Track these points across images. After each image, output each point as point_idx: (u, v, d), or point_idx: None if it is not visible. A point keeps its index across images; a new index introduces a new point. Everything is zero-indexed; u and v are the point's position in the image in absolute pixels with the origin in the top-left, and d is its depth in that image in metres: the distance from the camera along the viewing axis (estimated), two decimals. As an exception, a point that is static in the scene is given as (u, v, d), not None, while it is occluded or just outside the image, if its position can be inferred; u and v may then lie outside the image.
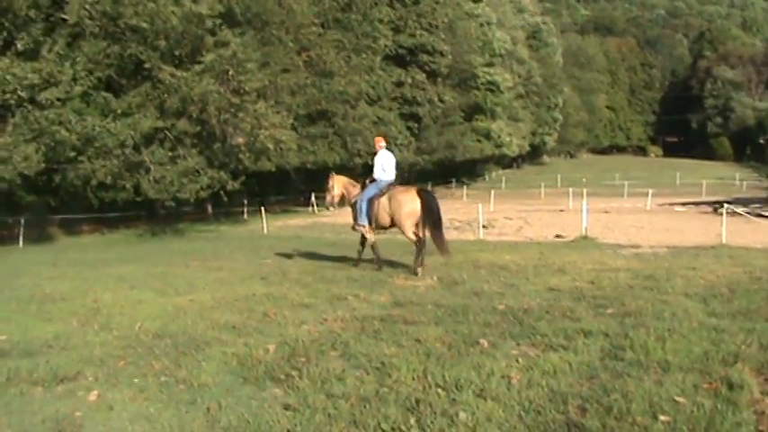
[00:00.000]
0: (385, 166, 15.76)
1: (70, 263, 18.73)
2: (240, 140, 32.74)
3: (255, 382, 6.71)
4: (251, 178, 38.44)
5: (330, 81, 43.41)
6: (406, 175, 69.71)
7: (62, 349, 8.06)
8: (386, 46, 55.41)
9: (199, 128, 31.15)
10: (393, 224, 15.36)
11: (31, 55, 26.39)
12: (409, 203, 14.87)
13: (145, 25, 27.98)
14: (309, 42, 41.76)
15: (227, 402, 6.12)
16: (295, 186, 52.15)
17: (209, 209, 40.90)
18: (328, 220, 38.22)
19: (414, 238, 15.02)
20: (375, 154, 16.26)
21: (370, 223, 15.59)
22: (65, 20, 27.80)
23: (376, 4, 53.84)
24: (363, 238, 16.21)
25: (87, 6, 27.41)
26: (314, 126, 44.99)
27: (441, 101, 65.76)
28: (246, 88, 30.77)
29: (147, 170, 29.28)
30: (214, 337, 8.56)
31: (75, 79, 27.05)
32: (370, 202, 15.41)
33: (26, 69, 25.22)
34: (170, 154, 30.04)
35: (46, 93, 25.97)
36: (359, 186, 16.32)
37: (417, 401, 5.99)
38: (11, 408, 6.08)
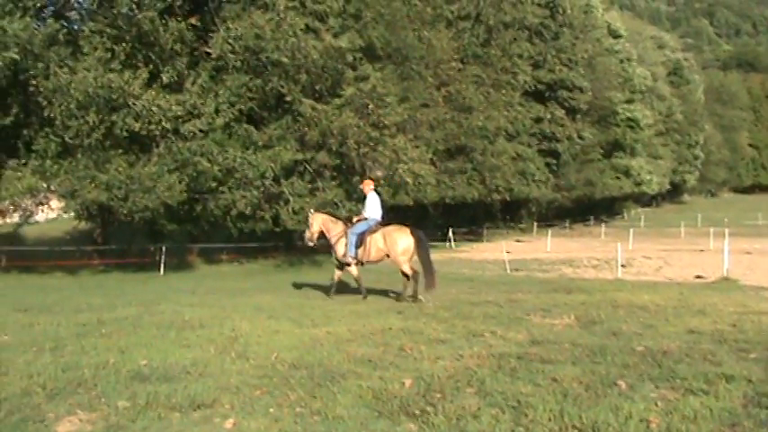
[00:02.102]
0: (374, 206, 16.96)
1: (209, 291, 18.76)
2: (379, 174, 32.43)
3: (390, 416, 6.40)
4: (389, 212, 37.52)
5: (469, 116, 43.12)
6: (543, 212, 68.76)
7: (200, 376, 7.91)
8: (525, 81, 54.79)
9: (338, 161, 31.14)
10: (381, 259, 16.78)
11: (175, 87, 26.88)
12: (405, 241, 16.33)
13: (286, 59, 27.99)
14: (449, 77, 41.60)
15: None
16: (433, 221, 51.42)
17: (347, 242, 40.06)
18: (465, 256, 37.72)
19: (410, 272, 16.44)
20: (377, 193, 17.57)
21: (356, 257, 16.66)
22: (209, 54, 28.26)
23: (515, 39, 53.42)
24: (339, 270, 17.34)
25: (230, 41, 27.69)
26: (453, 161, 44.47)
27: (580, 137, 64.67)
28: (386, 122, 30.57)
29: (287, 201, 29.30)
30: (350, 369, 8.24)
31: (217, 111, 27.36)
32: (361, 237, 16.54)
33: (170, 101, 25.56)
34: (309, 186, 30.05)
35: (189, 124, 26.34)
36: (340, 223, 17.28)
37: None
38: (149, 431, 5.98)
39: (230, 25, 27.92)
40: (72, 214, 29.56)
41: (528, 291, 17.61)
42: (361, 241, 16.48)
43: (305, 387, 7.35)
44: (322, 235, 17.27)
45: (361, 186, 18.21)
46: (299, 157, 29.83)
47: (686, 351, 9.31)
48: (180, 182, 25.51)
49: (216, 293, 18.00)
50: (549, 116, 59.65)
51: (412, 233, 16.45)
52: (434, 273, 16.26)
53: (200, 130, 26.67)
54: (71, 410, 6.42)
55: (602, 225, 71.38)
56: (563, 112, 61.19)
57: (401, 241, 16.30)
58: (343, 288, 17.72)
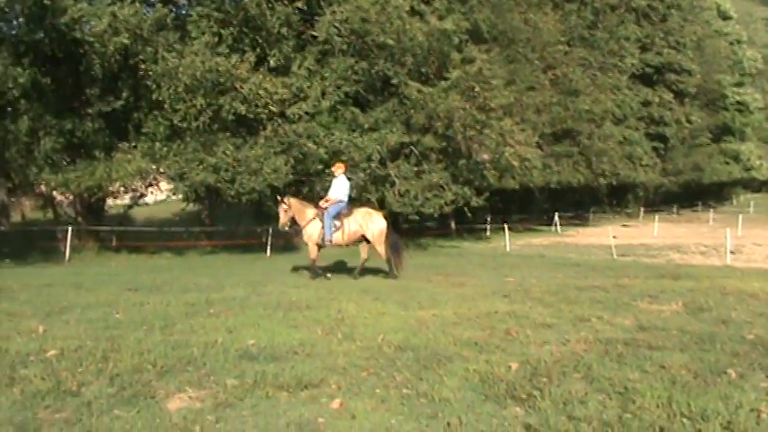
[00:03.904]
0: (342, 189, 17.35)
1: (330, 271, 18.49)
2: (485, 157, 32.10)
3: (496, 399, 6.26)
4: (495, 196, 37.30)
5: (575, 99, 42.28)
6: (650, 197, 66.88)
7: (307, 356, 7.89)
8: (632, 64, 53.76)
9: (444, 143, 30.50)
10: (355, 241, 17.37)
11: (282, 71, 26.87)
12: (382, 223, 17.25)
13: (391, 42, 27.66)
14: (555, 60, 40.79)
15: (468, 419, 5.73)
16: (538, 205, 50.87)
17: (453, 225, 39.93)
18: (571, 241, 37.20)
19: (384, 253, 17.23)
20: (348, 178, 18.28)
21: (332, 239, 17.04)
22: (315, 37, 28.09)
23: (623, 21, 52.34)
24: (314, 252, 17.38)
25: (336, 24, 27.58)
26: (559, 145, 43.73)
27: (688, 121, 63.02)
28: (492, 105, 29.78)
29: (392, 184, 28.93)
30: (456, 352, 8.06)
31: (323, 94, 27.30)
32: (337, 218, 16.96)
33: (277, 84, 25.64)
34: (415, 169, 29.48)
35: (295, 107, 26.38)
36: (311, 207, 17.45)
37: (662, 430, 5.54)
38: (257, 409, 5.94)
39: (336, 8, 27.78)
40: (180, 196, 29.68)
41: (635, 276, 17.40)
42: (337, 224, 16.95)
43: (411, 369, 7.26)
44: (293, 220, 17.34)
45: (332, 169, 18.30)
46: (405, 139, 29.29)
47: (800, 340, 8.91)
48: (286, 164, 25.52)
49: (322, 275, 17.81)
50: (656, 99, 58.12)
51: (384, 216, 17.74)
52: (403, 254, 17.90)
53: (307, 113, 26.66)
54: (181, 387, 6.48)
55: (711, 211, 68.58)
56: (671, 95, 59.64)
57: (380, 223, 17.23)
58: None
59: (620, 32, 51.84)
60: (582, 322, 10.24)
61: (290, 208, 16.86)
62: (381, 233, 17.11)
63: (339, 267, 19.39)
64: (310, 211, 17.02)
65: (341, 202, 17.16)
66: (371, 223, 17.13)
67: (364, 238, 17.21)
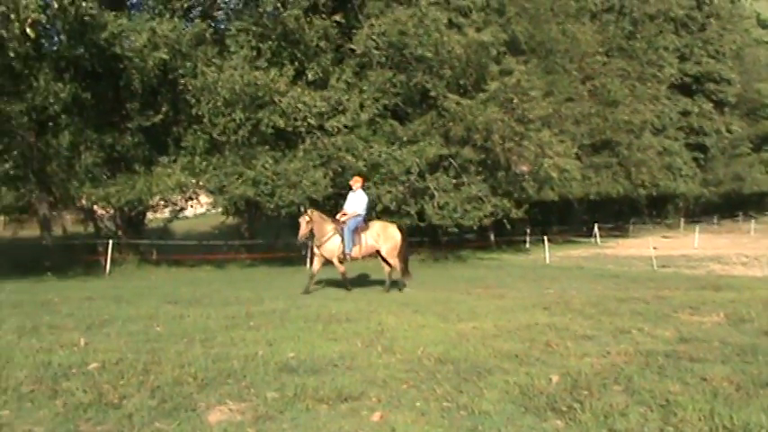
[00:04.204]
0: (360, 203, 17.40)
1: (355, 284, 18.55)
2: (524, 168, 32.11)
3: (537, 412, 6.19)
4: (534, 207, 37.04)
5: (614, 110, 41.93)
6: (691, 208, 66.14)
7: (347, 369, 7.82)
8: (671, 74, 53.25)
9: (483, 155, 30.43)
10: (368, 255, 17.61)
11: (320, 84, 26.88)
12: (398, 236, 17.42)
13: (429, 55, 27.64)
14: (593, 71, 40.63)
15: (508, 431, 5.72)
16: (577, 217, 50.51)
17: (492, 237, 39.75)
18: (611, 252, 36.94)
19: (397, 265, 17.43)
20: (365, 190, 18.38)
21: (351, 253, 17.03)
22: (353, 50, 28.00)
23: (661, 31, 51.99)
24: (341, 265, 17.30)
25: (374, 37, 27.50)
26: (598, 156, 43.55)
27: (728, 131, 62.08)
28: (530, 116, 29.87)
29: (432, 196, 28.73)
30: (496, 365, 8.04)
31: (362, 107, 27.26)
32: (355, 232, 16.92)
33: (315, 98, 25.64)
34: (454, 181, 29.31)
35: (334, 120, 26.34)
36: (330, 221, 17.18)
37: None
38: (297, 422, 5.92)
39: (374, 22, 27.70)
40: (220, 209, 29.91)
41: (675, 288, 17.31)
42: (358, 236, 17.00)
43: (451, 382, 7.21)
44: (312, 233, 17.14)
45: (350, 183, 18.35)
46: (444, 152, 29.19)
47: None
48: (325, 177, 25.54)
49: (361, 287, 18.11)
50: (696, 109, 57.54)
51: (400, 229, 17.91)
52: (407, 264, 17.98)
53: (345, 126, 26.60)
54: (221, 400, 6.47)
55: (752, 221, 67.79)
56: (710, 105, 59.03)
57: (396, 237, 17.42)
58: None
59: (659, 42, 51.49)
60: (622, 334, 10.19)
61: (311, 221, 16.67)
62: (395, 247, 17.34)
63: (362, 281, 19.41)
64: (330, 227, 16.88)
65: (359, 215, 17.20)
66: (387, 237, 17.33)
67: (378, 252, 17.45)
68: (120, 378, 7.04)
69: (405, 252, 17.85)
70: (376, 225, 17.69)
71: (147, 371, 7.36)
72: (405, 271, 17.61)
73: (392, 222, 18.94)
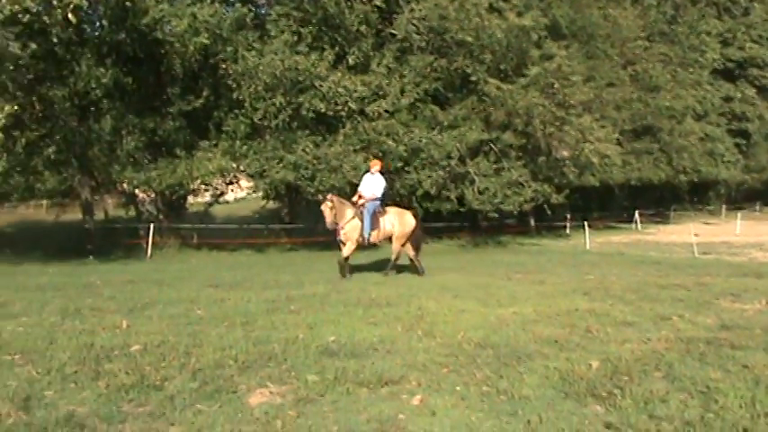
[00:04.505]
0: (380, 187, 16.99)
1: (379, 270, 18.43)
2: (565, 154, 31.85)
3: (577, 397, 6.25)
4: (574, 193, 36.60)
5: (656, 96, 41.37)
6: (733, 194, 65.22)
7: (387, 353, 7.90)
8: (714, 60, 52.10)
9: (523, 140, 30.18)
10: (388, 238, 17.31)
11: (360, 69, 26.89)
12: (412, 222, 17.32)
13: (470, 39, 27.58)
14: (635, 56, 40.00)
15: (548, 416, 5.71)
16: (618, 202, 50.06)
17: (532, 222, 39.49)
18: (652, 238, 36.49)
19: (404, 252, 17.43)
20: (381, 173, 17.47)
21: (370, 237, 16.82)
22: (393, 35, 28.00)
23: (703, 16, 51.01)
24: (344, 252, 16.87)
25: (415, 22, 27.55)
26: (639, 141, 42.77)
27: (771, 117, 60.19)
28: (571, 101, 29.56)
29: (472, 181, 28.67)
30: (536, 350, 8.06)
31: (402, 92, 27.24)
32: (374, 216, 16.66)
33: (356, 82, 25.69)
34: (494, 166, 29.19)
35: (374, 105, 26.38)
36: (349, 204, 16.89)
37: (745, 430, 5.43)
38: (338, 405, 5.99)
39: (414, 6, 27.72)
40: (260, 194, 29.91)
41: (717, 274, 17.10)
42: (376, 220, 16.77)
43: (491, 366, 7.27)
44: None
45: (370, 164, 18.24)
46: (485, 136, 29.00)
47: None
48: (365, 161, 25.05)
49: (401, 272, 17.81)
50: (738, 95, 56.11)
51: (414, 216, 17.83)
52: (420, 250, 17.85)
53: (386, 111, 26.59)
54: (262, 383, 6.54)
55: (796, 209, 67.03)
56: (753, 90, 57.43)
57: (410, 222, 17.27)
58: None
59: (701, 27, 50.50)
60: (663, 321, 10.12)
61: (334, 206, 16.35)
62: (405, 234, 17.18)
63: (400, 267, 18.84)
64: (350, 211, 16.55)
65: (377, 199, 16.89)
66: (403, 223, 17.13)
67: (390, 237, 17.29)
68: (161, 360, 7.14)
69: (418, 239, 17.77)
70: (392, 210, 17.47)
71: (189, 353, 7.46)
72: (416, 258, 17.45)
73: (410, 209, 18.77)
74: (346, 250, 16.62)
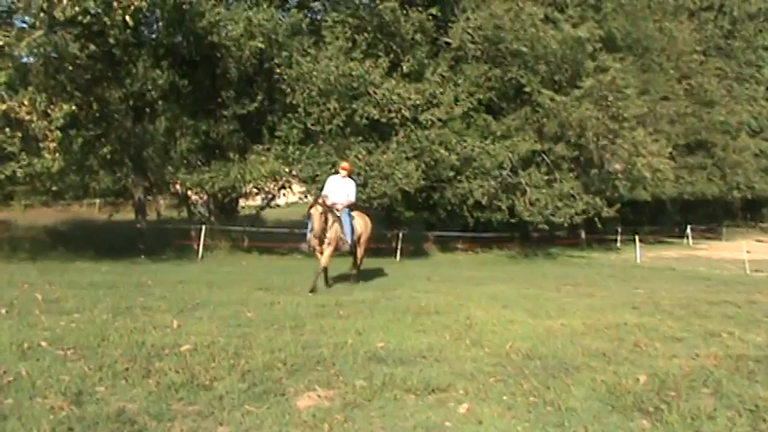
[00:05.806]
0: (353, 191, 16.34)
1: (444, 278, 18.61)
2: (617, 167, 31.71)
3: (623, 411, 6.17)
4: (626, 206, 36.17)
5: (710, 110, 41.02)
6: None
7: (435, 361, 7.83)
8: None
9: (576, 152, 29.93)
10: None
11: (415, 77, 26.71)
12: (370, 226, 17.05)
13: (525, 49, 27.38)
14: (690, 70, 39.47)
15: (594, 429, 5.68)
16: (670, 217, 49.39)
17: (583, 235, 39.04)
18: (703, 254, 36.26)
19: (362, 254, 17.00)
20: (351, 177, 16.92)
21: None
22: (448, 44, 27.94)
23: (760, 31, 50.08)
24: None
25: (470, 31, 27.46)
26: (692, 156, 42.35)
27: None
28: (625, 115, 29.16)
29: (523, 192, 28.45)
30: (584, 362, 8.01)
31: (456, 101, 27.05)
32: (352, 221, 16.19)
33: (410, 90, 25.48)
34: (546, 177, 28.90)
35: (428, 113, 26.12)
36: (331, 210, 15.79)
37: None
38: (385, 411, 5.97)
39: (469, 15, 27.65)
40: (312, 199, 29.54)
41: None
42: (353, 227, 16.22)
43: (538, 377, 7.21)
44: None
45: (340, 168, 16.90)
46: (537, 147, 28.73)
47: None
48: (417, 169, 25.35)
49: (451, 281, 17.78)
50: (796, 111, 55.09)
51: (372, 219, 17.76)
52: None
53: (439, 119, 26.34)
54: (310, 386, 6.56)
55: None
56: (812, 107, 56.41)
57: (369, 225, 17.05)
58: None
59: (758, 42, 49.56)
60: (712, 337, 9.97)
61: (324, 211, 15.15)
62: (369, 238, 17.15)
63: (451, 276, 18.96)
64: (331, 217, 15.47)
65: (352, 203, 16.29)
66: (366, 225, 16.81)
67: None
68: (211, 360, 7.16)
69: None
70: (356, 215, 16.65)
71: (238, 355, 7.49)
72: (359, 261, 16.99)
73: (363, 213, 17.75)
74: (325, 258, 15.40)
